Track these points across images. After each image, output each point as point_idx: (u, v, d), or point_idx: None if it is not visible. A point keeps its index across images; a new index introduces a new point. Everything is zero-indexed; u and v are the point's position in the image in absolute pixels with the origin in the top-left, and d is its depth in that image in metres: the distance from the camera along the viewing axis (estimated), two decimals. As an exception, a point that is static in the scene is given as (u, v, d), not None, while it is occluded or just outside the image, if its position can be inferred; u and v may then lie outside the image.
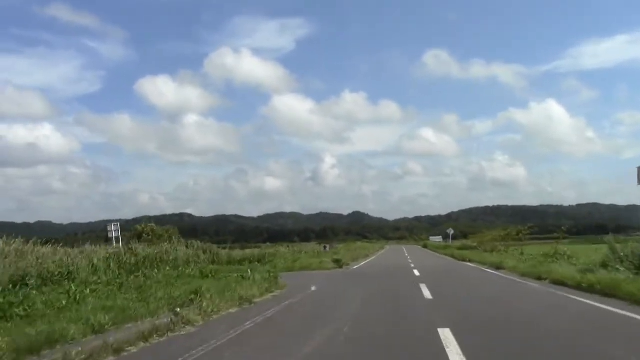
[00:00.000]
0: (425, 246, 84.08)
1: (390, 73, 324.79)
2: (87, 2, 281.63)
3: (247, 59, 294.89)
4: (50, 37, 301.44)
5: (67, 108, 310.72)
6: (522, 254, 32.82)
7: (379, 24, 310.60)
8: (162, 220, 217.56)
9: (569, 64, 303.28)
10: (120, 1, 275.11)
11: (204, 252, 31.22)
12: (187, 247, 32.30)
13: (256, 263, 27.43)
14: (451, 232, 59.48)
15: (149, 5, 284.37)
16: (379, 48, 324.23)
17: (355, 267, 30.32)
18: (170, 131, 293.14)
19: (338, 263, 28.46)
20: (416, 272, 22.88)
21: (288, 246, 56.02)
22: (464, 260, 34.45)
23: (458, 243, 59.01)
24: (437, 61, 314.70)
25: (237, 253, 35.74)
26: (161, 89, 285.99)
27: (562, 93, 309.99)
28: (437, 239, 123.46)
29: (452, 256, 42.42)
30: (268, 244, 55.10)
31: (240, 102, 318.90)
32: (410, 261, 36.90)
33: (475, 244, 50.29)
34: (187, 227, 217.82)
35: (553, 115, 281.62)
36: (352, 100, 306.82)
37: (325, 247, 37.02)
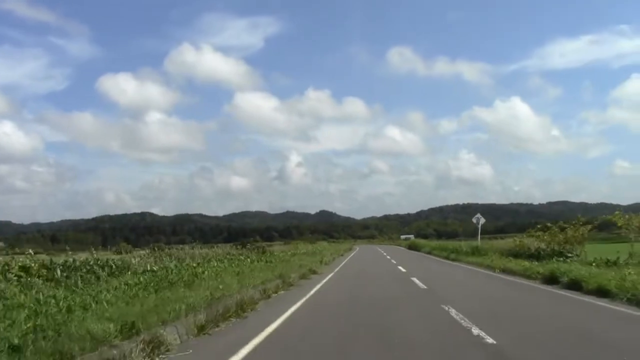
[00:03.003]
0: (412, 247, 53.11)
1: (355, 70, 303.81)
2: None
3: (214, 57, 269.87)
4: (15, 34, 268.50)
5: (31, 106, 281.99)
6: None
7: (346, 21, 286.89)
8: (122, 219, 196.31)
9: (536, 64, 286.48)
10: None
11: None
12: None
13: None
14: (481, 220, 30.20)
15: (119, 2, 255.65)
16: (345, 45, 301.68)
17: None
18: (135, 129, 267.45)
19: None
20: None
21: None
22: None
23: (486, 243, 29.66)
24: (401, 59, 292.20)
25: None
26: (126, 87, 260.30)
27: (529, 92, 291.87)
28: (410, 236, 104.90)
29: (553, 279, 13.03)
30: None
31: (206, 100, 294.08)
32: (467, 325, 7.06)
33: (541, 246, 21.85)
34: (147, 226, 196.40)
35: (520, 114, 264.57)
36: (317, 98, 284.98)
37: None
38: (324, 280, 16.81)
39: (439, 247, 38.60)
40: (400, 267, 23.06)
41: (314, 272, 20.14)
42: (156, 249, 26.15)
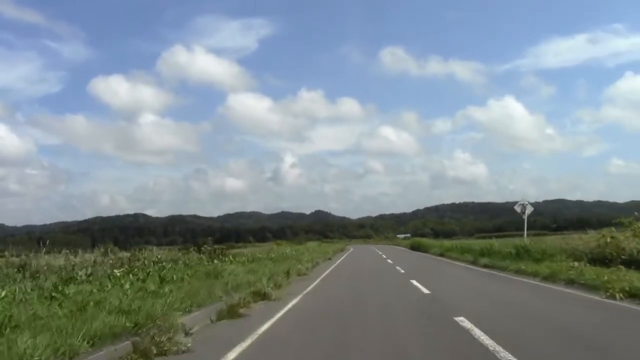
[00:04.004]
0: (416, 248, 43.09)
1: (348, 71, 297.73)
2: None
3: (207, 58, 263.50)
4: (8, 37, 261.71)
5: (24, 109, 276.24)
6: None
7: (338, 22, 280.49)
8: (115, 220, 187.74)
9: (530, 63, 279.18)
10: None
11: None
12: None
13: None
14: (528, 209, 20.57)
15: (113, 4, 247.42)
16: (337, 46, 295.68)
17: None
18: (128, 131, 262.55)
19: None
20: None
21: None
22: None
23: (534, 241, 20.14)
24: (394, 58, 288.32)
25: None
26: (119, 89, 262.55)
27: (523, 91, 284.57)
28: (407, 236, 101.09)
29: None
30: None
31: (199, 102, 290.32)
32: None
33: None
34: (139, 227, 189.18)
35: (514, 113, 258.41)
36: (311, 99, 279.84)
37: None
38: (260, 332, 7.27)
39: (455, 247, 28.58)
40: (415, 283, 13.57)
41: (265, 297, 10.71)
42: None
